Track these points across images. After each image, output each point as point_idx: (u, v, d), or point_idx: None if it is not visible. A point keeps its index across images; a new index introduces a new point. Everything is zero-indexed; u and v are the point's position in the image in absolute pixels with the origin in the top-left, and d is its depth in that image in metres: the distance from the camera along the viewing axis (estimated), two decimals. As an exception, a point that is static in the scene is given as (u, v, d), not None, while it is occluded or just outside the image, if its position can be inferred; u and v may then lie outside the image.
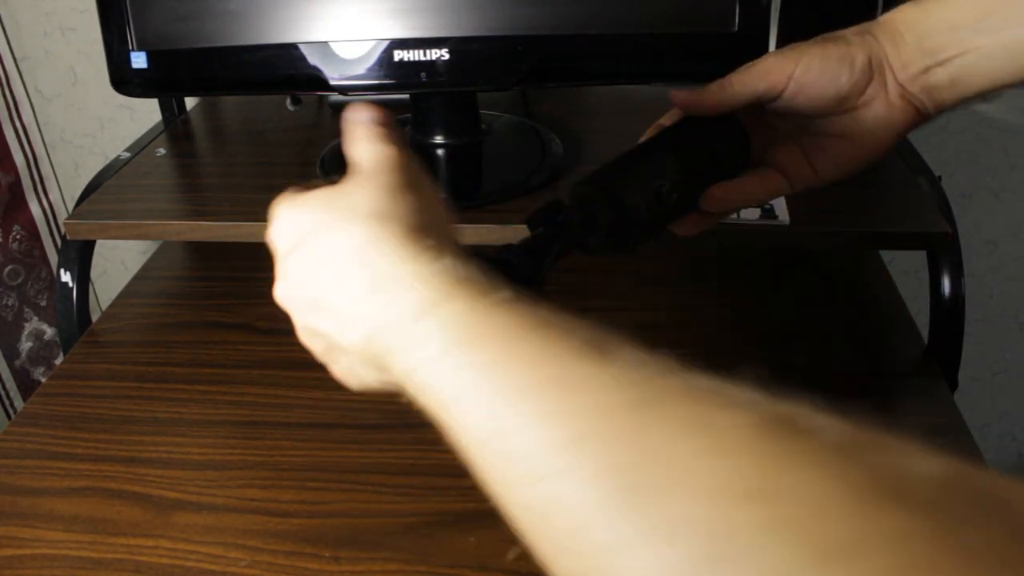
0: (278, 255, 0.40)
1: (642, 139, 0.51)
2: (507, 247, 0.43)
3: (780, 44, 0.86)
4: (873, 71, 0.46)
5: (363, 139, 0.41)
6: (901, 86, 0.47)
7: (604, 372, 0.27)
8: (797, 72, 0.46)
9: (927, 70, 0.46)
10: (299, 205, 0.40)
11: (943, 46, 0.45)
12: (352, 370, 0.39)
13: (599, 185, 0.46)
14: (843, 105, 0.47)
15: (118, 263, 1.24)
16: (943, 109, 0.47)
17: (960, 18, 0.45)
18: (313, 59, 0.68)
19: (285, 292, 0.40)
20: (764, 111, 0.50)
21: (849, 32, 0.48)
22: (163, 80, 0.71)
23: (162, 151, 0.86)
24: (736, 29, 0.66)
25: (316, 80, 0.69)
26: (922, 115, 0.47)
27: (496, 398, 0.28)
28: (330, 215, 0.38)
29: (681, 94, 0.49)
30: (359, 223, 0.36)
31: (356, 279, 0.35)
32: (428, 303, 0.32)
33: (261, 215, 0.71)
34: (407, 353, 0.32)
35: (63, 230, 0.75)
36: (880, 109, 0.47)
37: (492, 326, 0.30)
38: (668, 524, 0.21)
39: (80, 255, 0.76)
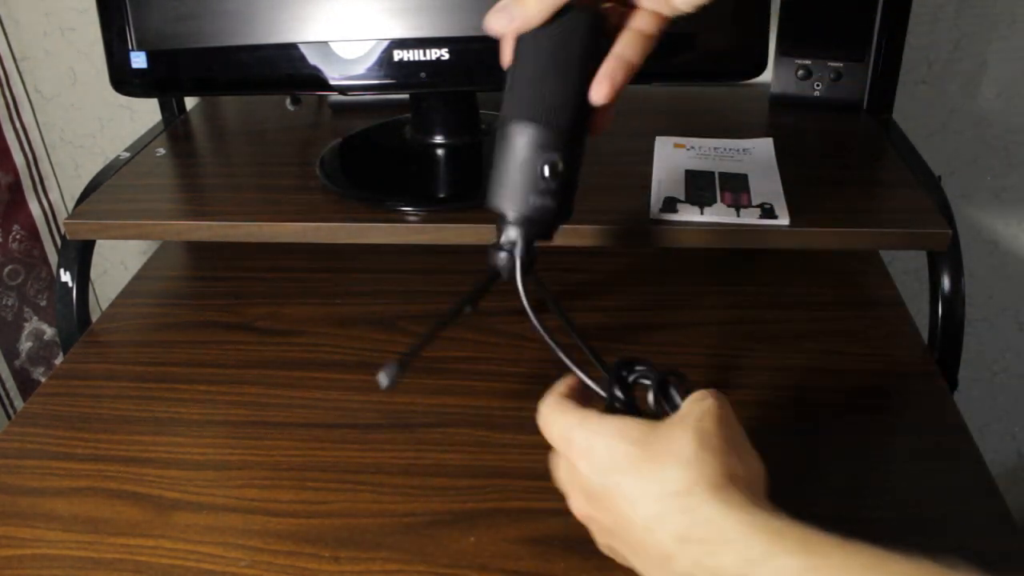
0: (578, 471, 0.41)
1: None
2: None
3: (780, 44, 0.87)
4: None
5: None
6: None
7: None
8: None
9: None
10: (607, 434, 0.40)
11: None
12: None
13: (501, 219, 0.48)
14: None
15: (118, 263, 1.24)
16: None
17: None
18: (313, 59, 0.68)
19: (578, 507, 0.42)
20: None
21: None
22: (163, 80, 0.71)
23: (162, 151, 0.86)
24: (736, 29, 0.66)
25: (316, 80, 0.69)
26: None
27: None
28: (646, 452, 0.38)
29: (497, 18, 0.44)
30: (679, 468, 0.37)
31: (661, 531, 0.36)
32: (749, 565, 0.33)
33: (261, 215, 0.71)
34: None
35: (63, 230, 0.75)
36: None
37: None
38: None
39: (80, 255, 0.76)
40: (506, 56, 0.46)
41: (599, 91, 0.45)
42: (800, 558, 0.32)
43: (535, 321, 0.49)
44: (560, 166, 0.45)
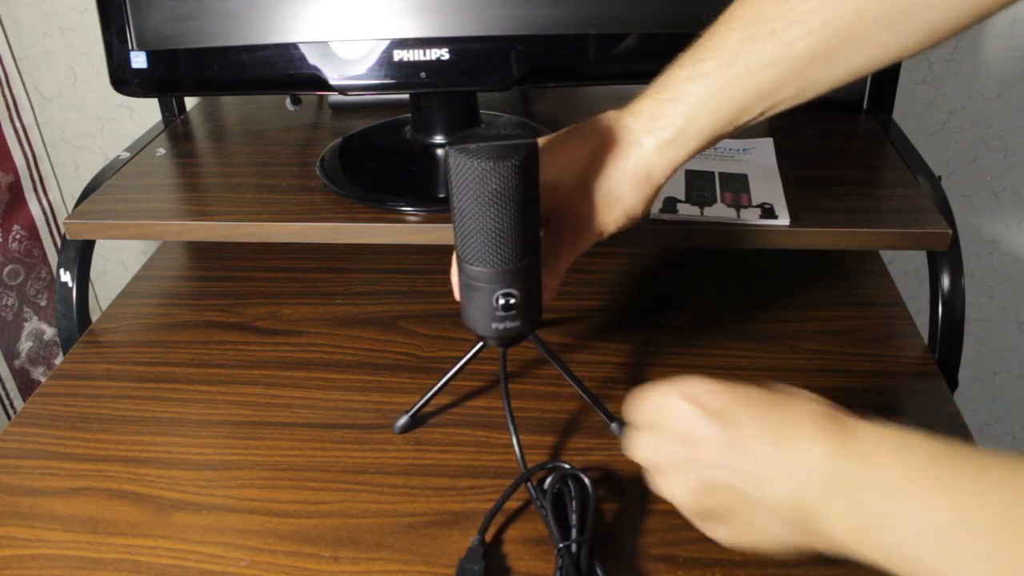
0: (685, 423, 0.43)
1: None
2: None
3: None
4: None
5: None
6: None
7: None
8: (605, 235, 0.52)
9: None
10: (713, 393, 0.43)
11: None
12: (754, 526, 0.41)
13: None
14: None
15: (118, 263, 1.24)
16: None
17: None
18: (313, 59, 0.68)
19: (680, 448, 0.43)
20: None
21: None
22: (163, 80, 0.71)
23: (162, 151, 0.86)
24: (736, 29, 0.65)
25: (316, 80, 0.69)
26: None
27: (977, 525, 0.34)
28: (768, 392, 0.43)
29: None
30: (811, 400, 0.41)
31: (812, 429, 0.39)
32: (886, 445, 0.38)
33: (261, 215, 0.71)
34: (863, 489, 0.37)
35: (63, 230, 0.75)
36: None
37: (949, 462, 0.36)
38: None
39: (80, 255, 0.76)
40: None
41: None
42: (928, 443, 0.37)
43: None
44: (514, 299, 0.49)
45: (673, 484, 0.43)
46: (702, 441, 0.42)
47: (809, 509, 0.38)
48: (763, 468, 0.40)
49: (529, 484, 0.54)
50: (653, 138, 0.49)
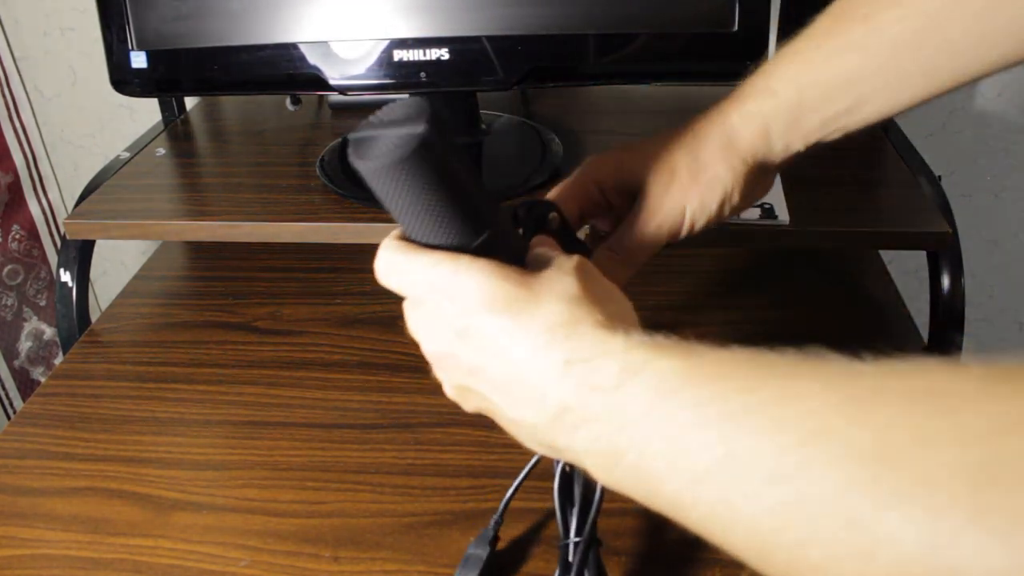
0: (443, 311, 0.38)
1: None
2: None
3: (780, 44, 0.86)
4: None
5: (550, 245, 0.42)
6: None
7: (817, 380, 0.30)
8: (688, 217, 0.49)
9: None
10: (483, 272, 0.37)
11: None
12: (517, 434, 0.38)
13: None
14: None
15: (118, 263, 1.24)
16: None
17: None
18: (313, 59, 0.68)
19: (437, 347, 0.39)
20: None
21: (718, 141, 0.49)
22: (163, 80, 0.71)
23: (162, 151, 0.86)
24: (736, 29, 0.66)
25: (316, 80, 0.69)
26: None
27: (722, 424, 0.30)
28: (526, 291, 0.36)
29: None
30: (565, 304, 0.36)
31: (545, 359, 0.35)
32: (630, 371, 0.33)
33: (261, 215, 0.71)
34: (605, 423, 0.32)
35: (63, 230, 0.75)
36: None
37: (699, 373, 0.32)
38: (919, 481, 0.23)
39: (80, 255, 0.76)
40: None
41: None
42: (679, 360, 0.33)
43: None
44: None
45: (437, 373, 0.41)
46: (449, 353, 0.38)
47: (555, 441, 0.35)
48: (504, 391, 0.37)
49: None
50: (738, 111, 0.49)
